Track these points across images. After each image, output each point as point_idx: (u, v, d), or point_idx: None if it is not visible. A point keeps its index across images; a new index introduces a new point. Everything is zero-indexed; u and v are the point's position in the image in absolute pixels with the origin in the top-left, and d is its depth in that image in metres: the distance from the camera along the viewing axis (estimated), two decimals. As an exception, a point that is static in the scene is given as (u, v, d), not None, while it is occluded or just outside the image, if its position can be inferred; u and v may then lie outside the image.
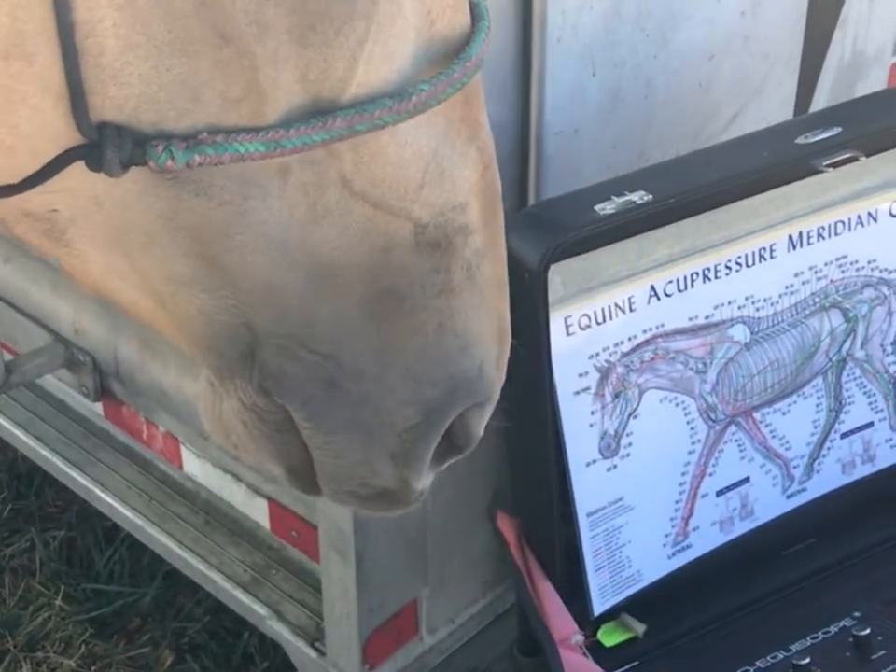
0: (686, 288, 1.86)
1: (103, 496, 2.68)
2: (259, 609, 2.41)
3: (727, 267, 1.88)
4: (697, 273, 1.86)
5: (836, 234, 1.96)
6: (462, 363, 1.07)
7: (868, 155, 1.91)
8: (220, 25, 0.88)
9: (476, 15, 1.02)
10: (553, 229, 1.73)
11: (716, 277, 1.87)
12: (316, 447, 1.09)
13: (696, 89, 2.18)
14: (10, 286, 2.64)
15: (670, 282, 1.84)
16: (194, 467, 2.59)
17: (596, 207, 1.73)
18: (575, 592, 1.90)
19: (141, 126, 0.90)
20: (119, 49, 0.88)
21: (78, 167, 0.92)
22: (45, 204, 0.97)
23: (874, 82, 2.58)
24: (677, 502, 1.96)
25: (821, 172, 1.87)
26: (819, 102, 2.47)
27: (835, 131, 1.91)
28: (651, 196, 1.75)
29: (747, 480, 2.02)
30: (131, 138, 0.90)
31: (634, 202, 1.75)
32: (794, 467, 2.06)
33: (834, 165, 1.88)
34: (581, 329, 1.79)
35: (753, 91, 2.31)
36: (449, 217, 1.02)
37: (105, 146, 0.90)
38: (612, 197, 1.74)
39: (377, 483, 1.11)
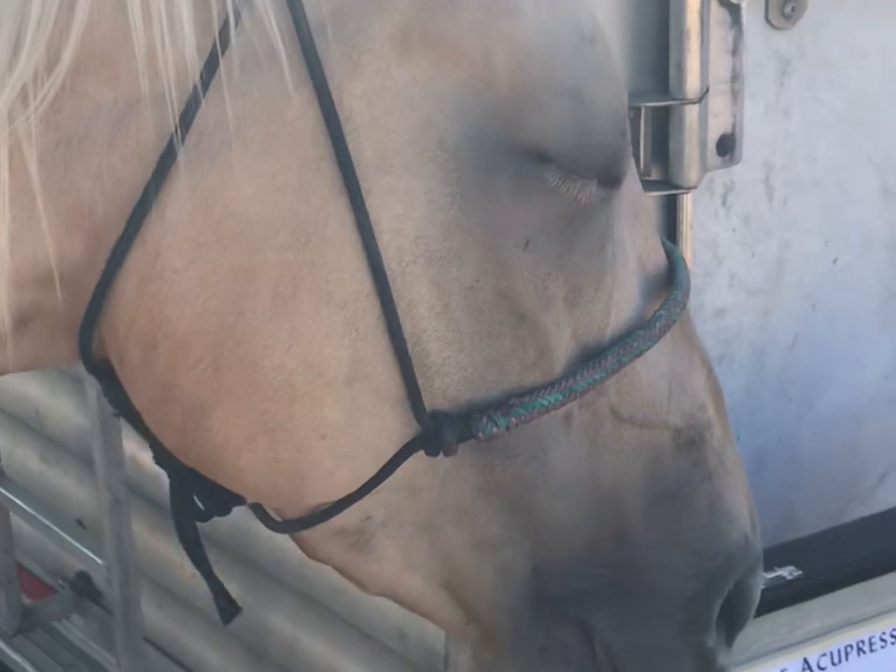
0: (840, 662, 1.82)
1: None
2: None
3: (882, 640, 1.84)
4: (851, 646, 1.82)
5: None
6: (731, 534, 1.21)
7: None
8: (516, 306, 1.06)
9: (667, 250, 1.22)
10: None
11: (871, 650, 1.83)
12: (616, 657, 1.18)
13: (842, 451, 2.19)
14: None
15: (824, 655, 1.81)
16: None
17: (746, 583, 1.72)
18: None
19: (462, 405, 1.05)
20: (439, 347, 1.04)
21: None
22: (361, 514, 1.09)
23: None
24: None
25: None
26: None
27: None
28: (800, 572, 1.75)
29: None
30: (458, 418, 1.05)
31: (784, 577, 1.75)
32: None
33: None
34: (733, 702, 1.76)
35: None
36: (696, 417, 1.19)
37: (443, 431, 1.04)
38: (762, 573, 1.74)
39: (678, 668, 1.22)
